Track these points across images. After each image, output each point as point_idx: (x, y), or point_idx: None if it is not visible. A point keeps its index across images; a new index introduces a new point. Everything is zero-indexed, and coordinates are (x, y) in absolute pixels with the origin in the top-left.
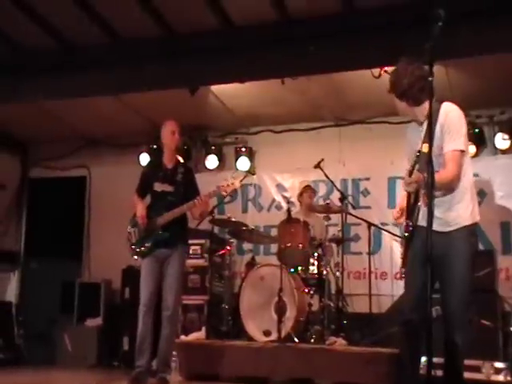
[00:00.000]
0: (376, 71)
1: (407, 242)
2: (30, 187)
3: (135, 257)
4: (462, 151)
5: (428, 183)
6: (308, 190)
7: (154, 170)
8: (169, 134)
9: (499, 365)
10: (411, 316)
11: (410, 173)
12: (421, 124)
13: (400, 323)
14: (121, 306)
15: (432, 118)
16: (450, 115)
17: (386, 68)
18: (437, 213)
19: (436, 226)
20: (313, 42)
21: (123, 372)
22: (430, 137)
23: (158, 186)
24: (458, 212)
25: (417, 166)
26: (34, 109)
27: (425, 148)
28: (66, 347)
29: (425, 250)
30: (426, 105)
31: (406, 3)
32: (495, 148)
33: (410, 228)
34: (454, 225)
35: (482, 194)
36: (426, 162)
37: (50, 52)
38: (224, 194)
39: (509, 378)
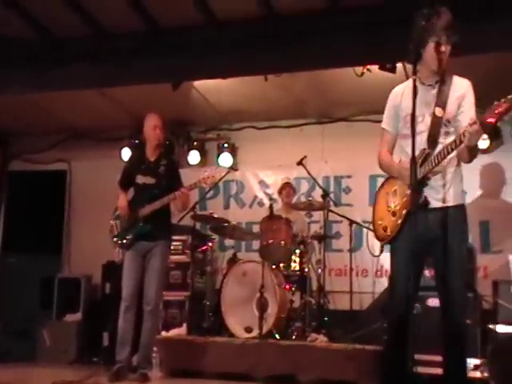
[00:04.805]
0: (359, 69)
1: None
2: (9, 180)
3: (117, 249)
4: None
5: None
6: (287, 187)
7: (137, 162)
8: (150, 128)
9: (477, 361)
10: (403, 309)
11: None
12: (428, 85)
13: (393, 316)
14: (101, 301)
15: (444, 84)
16: (470, 89)
17: (368, 66)
18: (439, 188)
19: (435, 203)
20: (296, 38)
21: (103, 368)
22: (412, 118)
23: (140, 179)
24: (456, 190)
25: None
26: (16, 101)
27: (439, 112)
28: (44, 343)
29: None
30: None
31: (390, 2)
32: (475, 156)
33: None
34: (453, 201)
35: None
36: (439, 125)
37: (34, 44)
38: (205, 186)
39: (486, 375)
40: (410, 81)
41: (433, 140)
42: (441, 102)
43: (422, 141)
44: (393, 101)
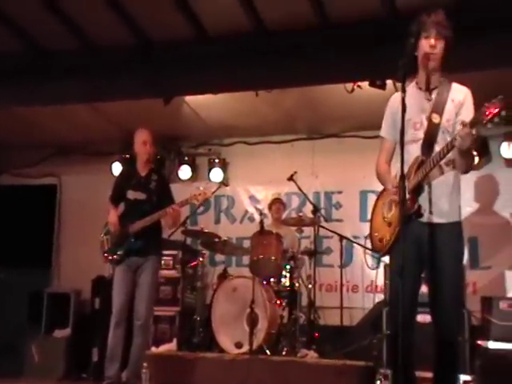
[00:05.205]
0: (349, 86)
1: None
2: None
3: (108, 264)
4: None
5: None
6: (276, 202)
7: (128, 177)
8: (140, 144)
9: (466, 378)
10: (401, 321)
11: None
12: (425, 90)
13: (391, 329)
14: (91, 316)
15: (443, 89)
16: (469, 96)
17: (358, 83)
18: (435, 203)
19: (431, 217)
20: (287, 54)
21: None
22: (401, 130)
23: (131, 194)
24: (453, 205)
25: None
26: (5, 114)
27: (435, 118)
28: (32, 358)
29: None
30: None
31: (380, 18)
32: (471, 162)
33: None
34: (449, 217)
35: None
36: (436, 131)
37: (22, 58)
38: (196, 202)
39: None
40: (409, 88)
41: (428, 147)
42: (438, 108)
43: (419, 148)
44: (391, 108)
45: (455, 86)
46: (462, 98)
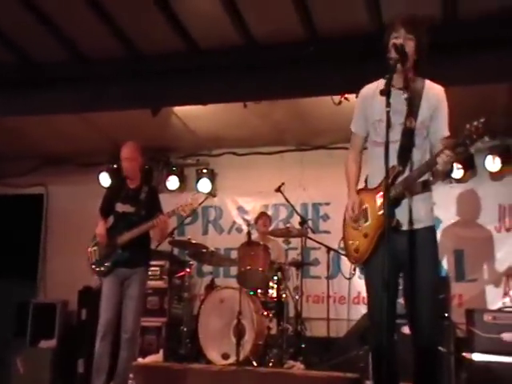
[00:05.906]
0: (337, 98)
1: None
2: None
3: (95, 276)
4: None
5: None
6: (262, 216)
7: (117, 190)
8: (121, 160)
9: None
10: (382, 335)
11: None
12: (400, 89)
13: (372, 344)
14: (77, 327)
15: (416, 90)
16: (443, 97)
17: (346, 95)
18: (409, 209)
19: (406, 224)
20: (275, 67)
21: None
22: (386, 146)
23: (120, 207)
24: (426, 209)
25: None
26: None
27: (410, 123)
28: (18, 370)
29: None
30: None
31: (368, 33)
32: (450, 177)
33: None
34: (423, 222)
35: (438, 221)
36: (411, 138)
37: (12, 68)
38: (183, 213)
39: None
40: (380, 82)
41: (404, 153)
42: (411, 111)
43: (395, 152)
44: (362, 102)
45: (429, 85)
46: (436, 101)
